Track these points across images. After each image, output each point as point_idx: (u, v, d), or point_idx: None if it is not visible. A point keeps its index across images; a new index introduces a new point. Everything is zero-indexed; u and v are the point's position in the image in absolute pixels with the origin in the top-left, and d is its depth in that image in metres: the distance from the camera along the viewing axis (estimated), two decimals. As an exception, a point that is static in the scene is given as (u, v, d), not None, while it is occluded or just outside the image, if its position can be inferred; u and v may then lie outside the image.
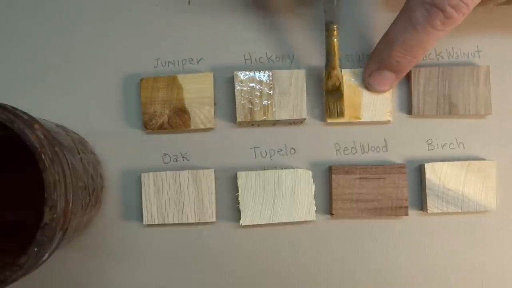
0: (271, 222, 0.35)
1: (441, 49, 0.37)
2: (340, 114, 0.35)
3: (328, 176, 0.36)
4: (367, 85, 0.35)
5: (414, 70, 0.35)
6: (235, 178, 0.35)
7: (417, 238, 0.36)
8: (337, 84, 0.33)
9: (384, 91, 0.35)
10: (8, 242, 0.32)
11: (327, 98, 0.34)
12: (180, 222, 0.35)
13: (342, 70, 0.34)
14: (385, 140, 0.36)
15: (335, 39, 0.33)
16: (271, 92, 0.35)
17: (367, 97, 0.35)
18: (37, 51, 0.36)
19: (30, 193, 0.33)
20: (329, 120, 0.35)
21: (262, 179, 0.35)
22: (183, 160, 0.36)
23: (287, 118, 0.35)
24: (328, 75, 0.33)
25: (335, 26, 0.32)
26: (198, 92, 0.35)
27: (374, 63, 0.34)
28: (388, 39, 0.32)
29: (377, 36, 0.36)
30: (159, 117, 0.35)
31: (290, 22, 0.36)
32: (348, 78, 0.35)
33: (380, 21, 0.36)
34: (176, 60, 0.36)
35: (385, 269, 0.36)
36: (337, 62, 0.33)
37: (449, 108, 0.35)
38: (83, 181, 0.30)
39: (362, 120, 0.35)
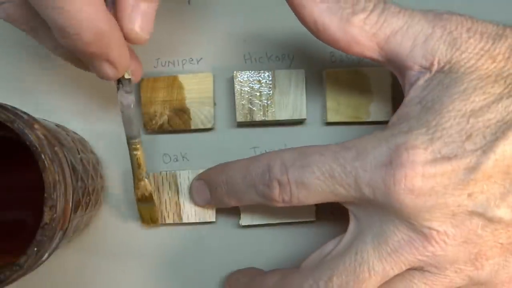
0: (271, 222, 0.35)
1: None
2: (155, 220, 0.34)
3: (328, 176, 0.36)
4: None
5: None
6: (235, 178, 0.35)
7: (417, 238, 0.36)
8: (147, 194, 0.32)
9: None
10: (8, 242, 0.32)
11: (139, 206, 0.33)
12: (180, 222, 0.35)
13: (342, 69, 0.35)
14: (385, 140, 0.36)
15: (139, 153, 0.31)
16: (271, 92, 0.35)
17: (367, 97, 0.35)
18: (37, 51, 0.36)
19: (30, 193, 0.34)
20: (145, 226, 0.34)
21: (262, 179, 0.35)
22: (183, 160, 0.36)
23: (287, 118, 0.35)
24: (137, 186, 0.32)
25: (136, 141, 0.31)
26: (198, 92, 0.35)
27: None
28: None
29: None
30: (159, 117, 0.35)
31: (290, 22, 0.36)
32: (350, 78, 0.35)
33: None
34: (176, 60, 0.36)
35: (385, 269, 0.36)
36: (143, 174, 0.32)
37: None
38: (83, 181, 0.30)
39: (362, 120, 0.35)
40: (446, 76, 0.26)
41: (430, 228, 0.24)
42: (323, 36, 0.28)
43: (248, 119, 0.35)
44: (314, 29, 0.28)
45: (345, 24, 0.27)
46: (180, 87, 0.35)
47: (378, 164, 0.25)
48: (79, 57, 0.27)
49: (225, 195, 0.31)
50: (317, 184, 0.27)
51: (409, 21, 0.26)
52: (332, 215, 0.35)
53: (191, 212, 0.35)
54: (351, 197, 0.26)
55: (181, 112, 0.35)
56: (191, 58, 0.36)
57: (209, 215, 0.35)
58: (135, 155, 0.31)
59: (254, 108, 0.35)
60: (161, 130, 0.35)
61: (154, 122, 0.35)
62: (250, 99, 0.35)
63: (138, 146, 0.31)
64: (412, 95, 0.27)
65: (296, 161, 0.28)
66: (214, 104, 0.36)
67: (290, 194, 0.28)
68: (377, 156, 0.25)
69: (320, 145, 0.28)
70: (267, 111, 0.35)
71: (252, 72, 0.35)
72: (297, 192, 0.27)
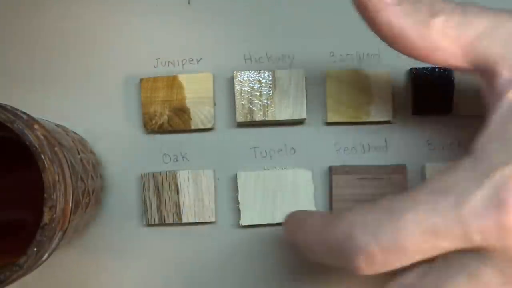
0: (271, 222, 0.35)
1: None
2: None
3: (328, 176, 0.36)
4: None
5: (415, 69, 0.35)
6: (235, 178, 0.35)
7: (418, 238, 0.36)
8: None
9: None
10: (8, 242, 0.32)
11: None
12: (180, 222, 0.35)
13: (342, 69, 0.35)
14: (385, 140, 0.36)
15: None
16: (271, 92, 0.35)
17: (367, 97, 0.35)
18: (37, 51, 0.36)
19: (30, 193, 0.34)
20: None
21: (262, 179, 0.35)
22: (183, 160, 0.36)
23: (287, 118, 0.35)
24: None
25: None
26: (198, 92, 0.35)
27: None
28: None
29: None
30: (159, 117, 0.35)
31: (290, 22, 0.36)
32: (350, 78, 0.35)
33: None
34: (176, 60, 0.36)
35: (385, 269, 0.36)
36: None
37: (450, 108, 0.35)
38: (83, 181, 0.30)
39: (362, 120, 0.35)
40: None
41: None
42: (399, 44, 0.25)
43: (248, 119, 0.35)
44: (390, 36, 0.25)
45: (424, 29, 0.24)
46: (180, 87, 0.35)
47: (486, 206, 0.21)
48: None
49: (305, 251, 0.28)
50: (415, 245, 0.22)
51: (495, 22, 0.23)
52: (332, 215, 0.35)
53: (191, 212, 0.35)
54: (453, 249, 0.22)
55: (181, 112, 0.35)
56: (191, 58, 0.36)
57: (209, 215, 0.35)
58: None
59: (254, 108, 0.35)
60: (161, 130, 0.35)
61: (154, 122, 0.35)
62: (250, 99, 0.35)
63: None
64: (504, 109, 0.23)
65: (384, 223, 0.23)
66: (214, 104, 0.36)
67: (380, 262, 0.23)
68: (484, 197, 0.21)
69: (403, 196, 0.23)
70: (267, 111, 0.35)
71: (252, 72, 0.35)
72: (388, 259, 0.23)
